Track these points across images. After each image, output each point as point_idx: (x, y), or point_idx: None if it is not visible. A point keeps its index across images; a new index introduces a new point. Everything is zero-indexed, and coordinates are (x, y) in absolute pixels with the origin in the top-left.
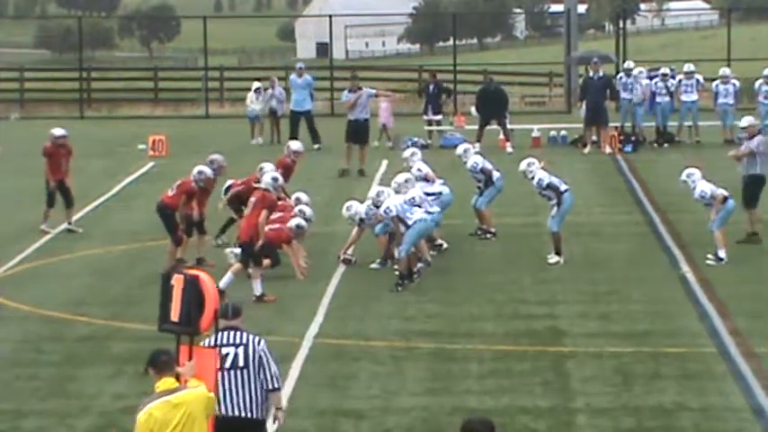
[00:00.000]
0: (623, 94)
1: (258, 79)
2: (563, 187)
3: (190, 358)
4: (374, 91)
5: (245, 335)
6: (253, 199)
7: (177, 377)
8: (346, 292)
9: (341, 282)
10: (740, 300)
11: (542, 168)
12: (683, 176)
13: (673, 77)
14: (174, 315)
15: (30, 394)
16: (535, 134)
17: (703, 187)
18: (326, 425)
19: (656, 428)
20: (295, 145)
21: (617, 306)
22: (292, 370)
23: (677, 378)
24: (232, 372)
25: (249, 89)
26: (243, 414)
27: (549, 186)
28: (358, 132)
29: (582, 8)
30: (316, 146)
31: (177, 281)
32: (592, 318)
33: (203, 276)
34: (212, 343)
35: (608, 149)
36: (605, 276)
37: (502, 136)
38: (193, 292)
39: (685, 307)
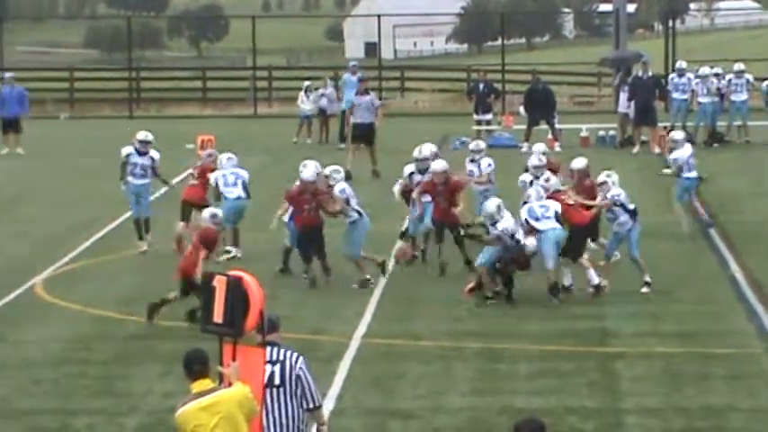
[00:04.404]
0: (675, 95)
1: (309, 78)
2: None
3: (234, 359)
4: (379, 102)
5: (281, 351)
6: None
7: (221, 377)
8: (394, 292)
9: (389, 281)
10: None
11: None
12: (604, 176)
13: (723, 77)
14: (218, 316)
15: (79, 393)
16: (584, 134)
17: (620, 192)
18: (374, 425)
19: (705, 429)
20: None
21: (666, 306)
22: (340, 370)
23: (727, 379)
24: (268, 390)
25: (297, 89)
26: None
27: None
28: (364, 135)
29: (631, 8)
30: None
31: (219, 282)
32: (641, 318)
33: (247, 277)
34: None
35: (657, 149)
36: (655, 276)
37: (550, 136)
38: (237, 294)
39: (735, 307)
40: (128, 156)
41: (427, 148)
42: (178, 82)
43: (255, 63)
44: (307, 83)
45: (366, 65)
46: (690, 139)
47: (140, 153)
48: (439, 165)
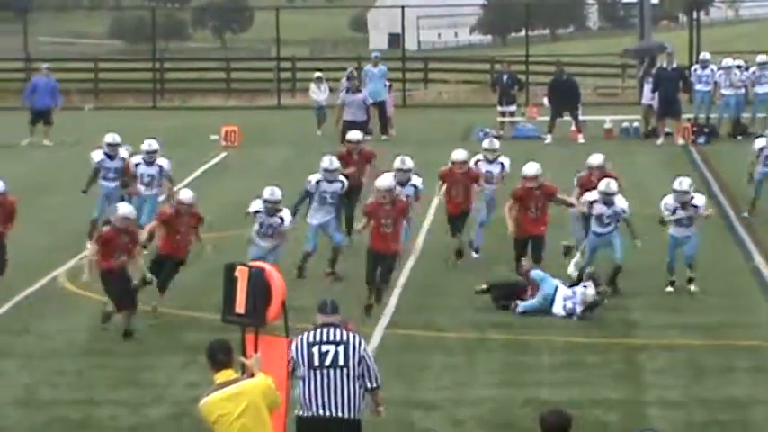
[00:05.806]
0: (698, 86)
1: (320, 69)
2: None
3: (256, 350)
4: (371, 100)
5: (344, 333)
6: None
7: (243, 368)
8: (418, 283)
9: (412, 273)
10: None
11: None
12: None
13: (746, 69)
14: (240, 307)
15: (103, 383)
16: (607, 125)
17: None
18: (398, 415)
19: (728, 422)
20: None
21: (689, 298)
22: None
23: (750, 371)
24: (331, 370)
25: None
26: (340, 414)
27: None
28: None
29: None
30: (384, 136)
31: (241, 273)
32: (665, 310)
33: (269, 268)
34: (311, 339)
35: (681, 141)
36: (678, 268)
37: (574, 127)
38: (259, 284)
39: (758, 299)
40: (99, 162)
41: (410, 160)
42: (202, 73)
43: (279, 54)
44: (318, 74)
45: (390, 56)
46: (713, 131)
47: (110, 157)
48: (384, 181)
